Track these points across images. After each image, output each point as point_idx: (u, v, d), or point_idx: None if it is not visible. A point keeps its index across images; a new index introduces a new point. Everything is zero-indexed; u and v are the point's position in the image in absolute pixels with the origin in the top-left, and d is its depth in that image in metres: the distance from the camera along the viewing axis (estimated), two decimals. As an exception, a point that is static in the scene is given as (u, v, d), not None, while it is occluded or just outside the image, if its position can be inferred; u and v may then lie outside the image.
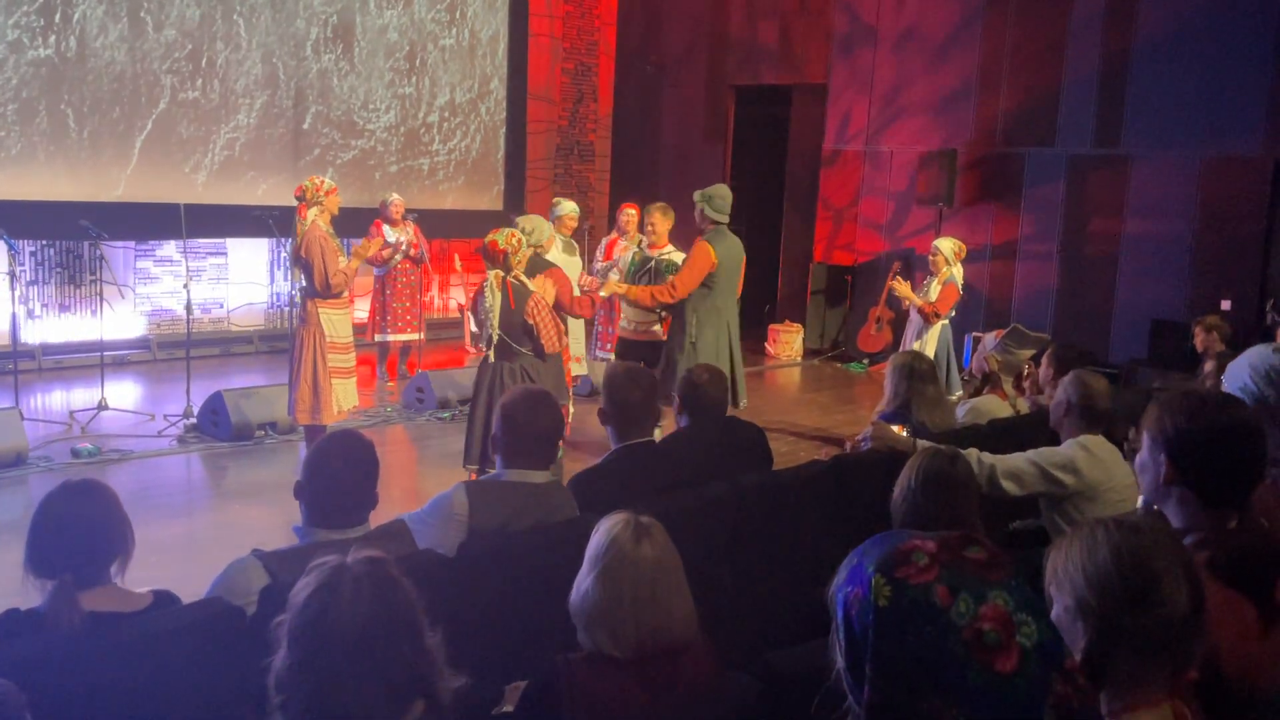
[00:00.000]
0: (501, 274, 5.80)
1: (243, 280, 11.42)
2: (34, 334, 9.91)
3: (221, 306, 11.27)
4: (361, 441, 3.03)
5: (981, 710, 1.23)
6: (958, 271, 8.12)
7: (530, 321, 5.76)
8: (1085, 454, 3.91)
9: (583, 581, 2.29)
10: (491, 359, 5.83)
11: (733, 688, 2.33)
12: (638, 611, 2.22)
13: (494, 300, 5.75)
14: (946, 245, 8.17)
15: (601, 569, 2.27)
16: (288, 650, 1.72)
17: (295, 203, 6.64)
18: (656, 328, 7.54)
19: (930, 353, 7.74)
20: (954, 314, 8.19)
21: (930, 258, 8.24)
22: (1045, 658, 1.26)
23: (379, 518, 3.09)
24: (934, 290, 8.05)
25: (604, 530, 2.33)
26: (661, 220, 7.66)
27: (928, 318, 7.99)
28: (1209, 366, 5.69)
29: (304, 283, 6.63)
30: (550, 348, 5.86)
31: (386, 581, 1.77)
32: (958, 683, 1.24)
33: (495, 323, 5.76)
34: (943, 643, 1.25)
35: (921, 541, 1.32)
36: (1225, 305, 9.84)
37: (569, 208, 9.05)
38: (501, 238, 5.84)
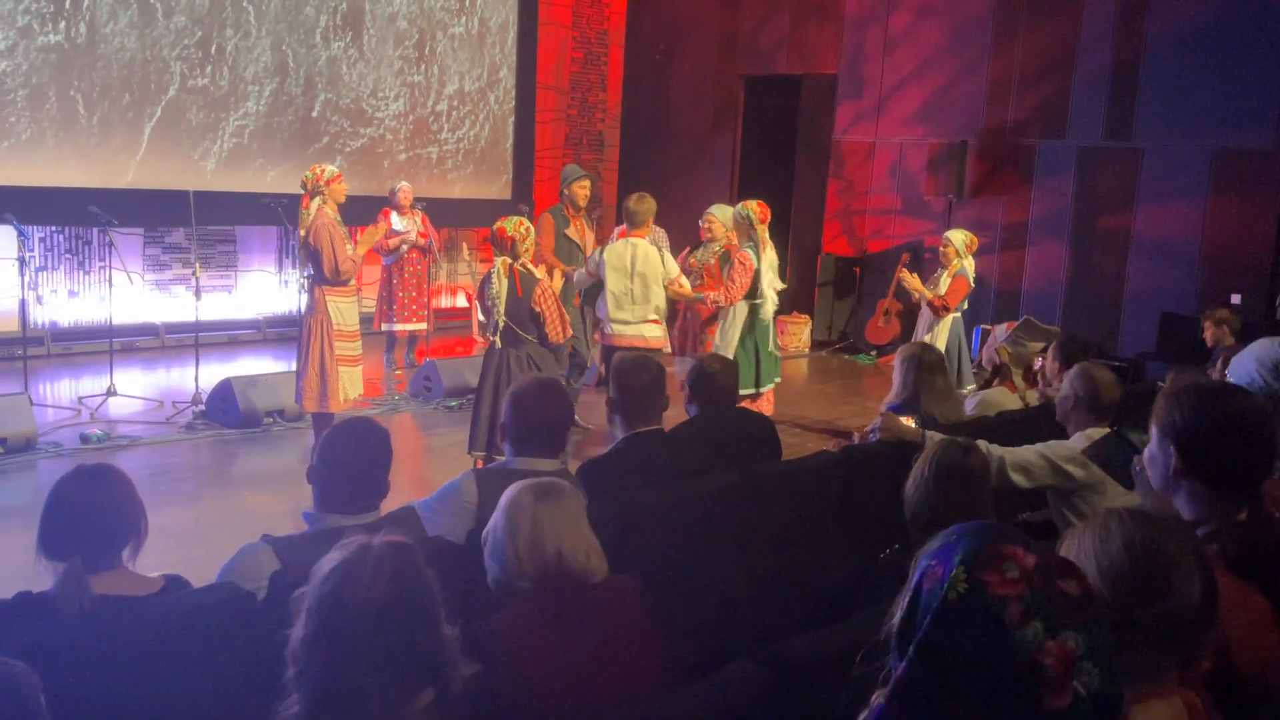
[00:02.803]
0: (509, 261, 5.84)
1: (251, 267, 11.44)
2: (43, 319, 9.94)
3: (230, 293, 11.29)
4: (375, 428, 3.05)
5: None
6: (969, 264, 7.95)
7: (537, 309, 5.79)
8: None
9: (491, 525, 2.55)
10: (498, 345, 5.86)
11: (740, 677, 2.34)
12: (535, 536, 2.45)
13: (500, 287, 5.78)
14: (958, 237, 8.01)
15: (501, 510, 2.52)
16: (305, 622, 1.74)
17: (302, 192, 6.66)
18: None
19: (941, 346, 7.58)
20: (965, 306, 8.08)
21: (941, 249, 8.08)
22: (1100, 711, 1.21)
23: (387, 505, 3.10)
24: (944, 283, 7.93)
25: (508, 491, 2.57)
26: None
27: (937, 311, 7.87)
28: (1220, 363, 5.65)
29: (312, 271, 6.64)
30: (555, 336, 5.89)
31: (408, 567, 1.78)
32: (994, 701, 1.21)
33: (501, 309, 5.79)
34: (996, 659, 1.21)
35: (1023, 553, 1.27)
36: (1235, 299, 9.81)
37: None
38: (510, 225, 5.88)
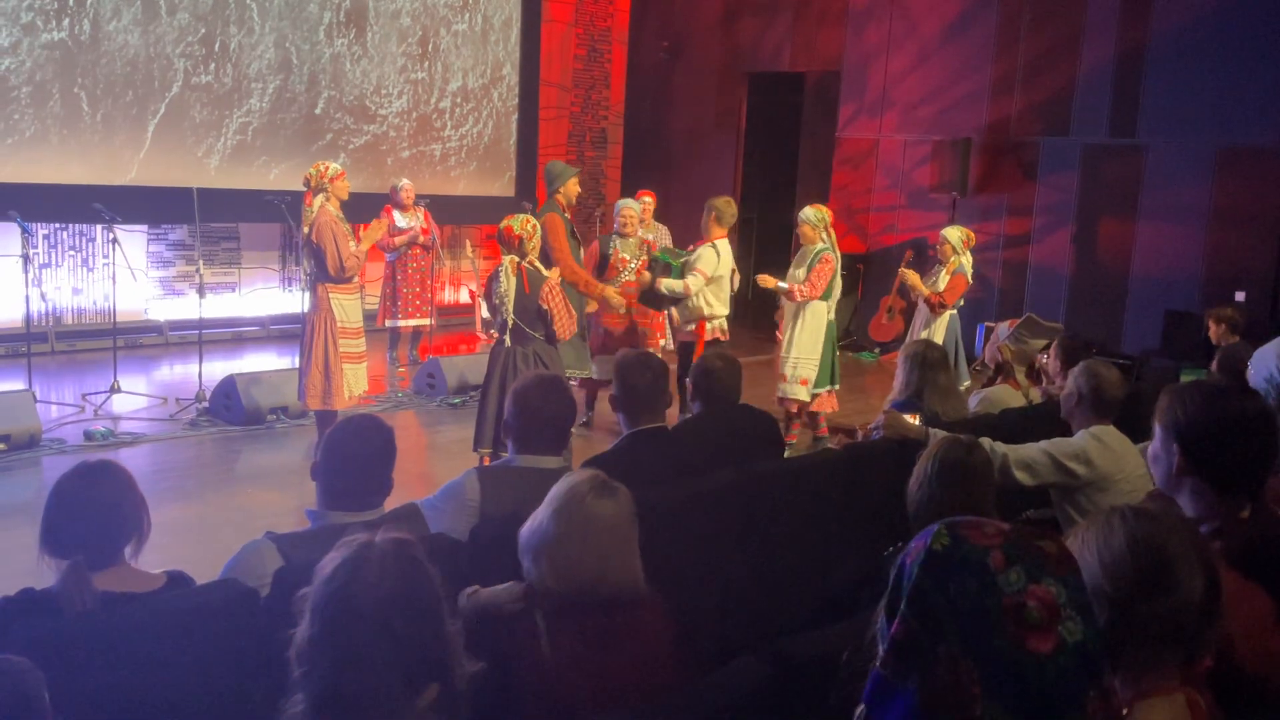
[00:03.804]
0: (516, 259, 5.86)
1: (255, 265, 11.45)
2: (47, 316, 9.96)
3: (234, 290, 11.30)
4: (379, 425, 3.05)
5: (998, 677, 1.23)
6: (966, 261, 8.00)
7: (544, 306, 5.80)
8: (1098, 444, 3.90)
9: (539, 516, 2.42)
10: (507, 343, 5.88)
11: (744, 674, 2.34)
12: (585, 553, 2.34)
13: (509, 285, 5.80)
14: (954, 234, 8.07)
15: (559, 507, 2.39)
16: (309, 622, 1.74)
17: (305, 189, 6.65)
18: (690, 328, 7.87)
19: (938, 343, 7.66)
20: (962, 303, 8.11)
21: (938, 247, 8.16)
22: (1083, 662, 1.24)
23: (390, 503, 3.11)
24: (942, 280, 7.96)
25: (568, 480, 2.46)
26: (705, 216, 7.94)
27: (934, 308, 7.91)
28: (1216, 360, 5.64)
29: (313, 269, 6.63)
30: (562, 334, 5.91)
31: (412, 563, 1.78)
32: (983, 642, 1.24)
33: (510, 307, 5.81)
34: (982, 600, 1.25)
35: (998, 522, 1.34)
36: (1239, 296, 9.80)
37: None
38: (517, 223, 5.91)
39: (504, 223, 5.98)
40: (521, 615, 2.35)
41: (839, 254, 7.66)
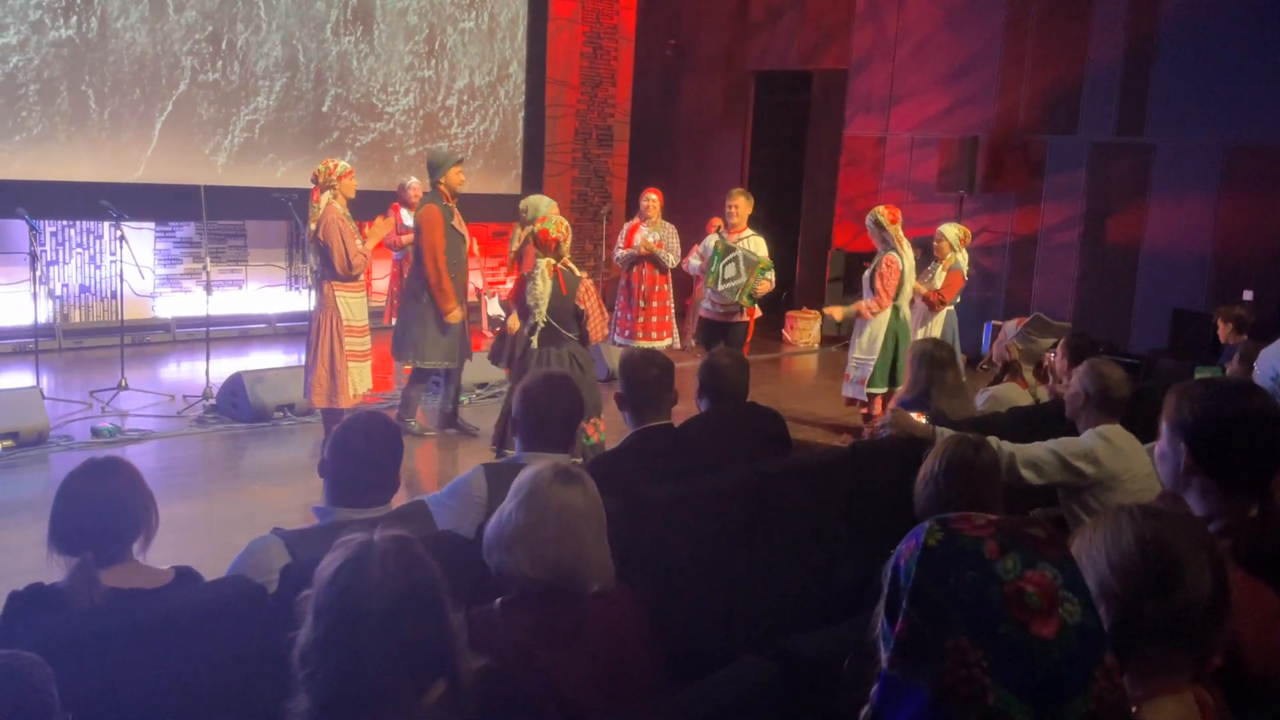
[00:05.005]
0: (552, 261, 5.92)
1: (261, 262, 11.46)
2: (55, 313, 9.97)
3: (241, 287, 11.32)
4: (387, 423, 3.07)
5: (1007, 663, 1.24)
6: (963, 258, 8.07)
7: (581, 307, 5.86)
8: (1105, 444, 3.89)
9: (505, 509, 2.39)
10: (534, 345, 5.90)
11: (749, 672, 2.34)
12: (561, 538, 2.32)
13: (545, 288, 5.85)
14: (951, 231, 8.14)
15: (525, 496, 2.37)
16: (313, 624, 1.73)
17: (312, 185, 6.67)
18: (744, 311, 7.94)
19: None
20: (959, 300, 8.16)
21: (935, 244, 8.20)
22: (1087, 643, 1.25)
23: (397, 500, 3.11)
24: (939, 277, 8.02)
25: (529, 471, 2.43)
26: (745, 205, 7.94)
27: (932, 305, 7.95)
28: (1236, 358, 5.63)
29: (320, 266, 6.65)
30: (596, 335, 5.97)
31: (413, 559, 1.77)
32: (989, 630, 1.25)
33: (544, 309, 5.85)
34: (983, 589, 1.26)
35: (985, 514, 1.35)
36: (1247, 295, 9.77)
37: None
38: (553, 226, 5.97)
39: (538, 226, 6.09)
40: (487, 614, 2.33)
41: (904, 250, 7.63)
